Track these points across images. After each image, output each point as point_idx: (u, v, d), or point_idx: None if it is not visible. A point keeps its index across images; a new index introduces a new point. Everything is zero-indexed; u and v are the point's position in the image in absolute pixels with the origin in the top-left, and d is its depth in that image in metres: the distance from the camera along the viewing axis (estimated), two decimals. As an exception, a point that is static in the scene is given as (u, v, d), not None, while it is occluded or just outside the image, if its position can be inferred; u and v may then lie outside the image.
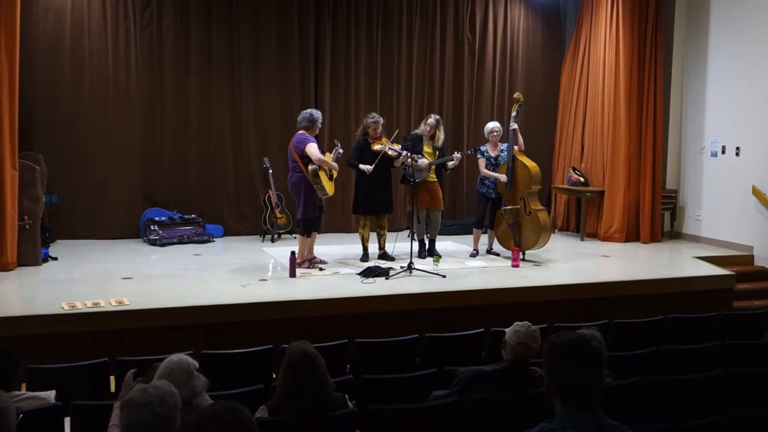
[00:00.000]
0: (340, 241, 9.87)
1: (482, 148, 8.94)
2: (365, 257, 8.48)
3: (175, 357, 3.31)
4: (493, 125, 8.95)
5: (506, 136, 8.90)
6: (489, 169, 8.81)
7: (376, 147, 8.25)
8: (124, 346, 5.83)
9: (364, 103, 10.77)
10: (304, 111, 8.08)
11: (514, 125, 8.72)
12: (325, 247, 9.09)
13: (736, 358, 5.00)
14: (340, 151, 8.20)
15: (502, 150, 8.85)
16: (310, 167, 7.72)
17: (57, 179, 9.06)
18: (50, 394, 3.84)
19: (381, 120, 8.41)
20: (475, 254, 9.03)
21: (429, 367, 4.77)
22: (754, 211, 9.39)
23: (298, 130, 7.94)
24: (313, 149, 7.72)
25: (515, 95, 9.08)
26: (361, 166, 8.18)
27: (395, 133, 8.77)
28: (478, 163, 8.92)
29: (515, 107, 8.86)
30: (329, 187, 7.90)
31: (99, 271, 7.80)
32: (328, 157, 7.92)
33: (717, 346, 5.24)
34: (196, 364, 3.27)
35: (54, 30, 9.42)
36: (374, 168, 8.15)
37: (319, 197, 7.96)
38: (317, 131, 8.10)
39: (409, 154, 8.12)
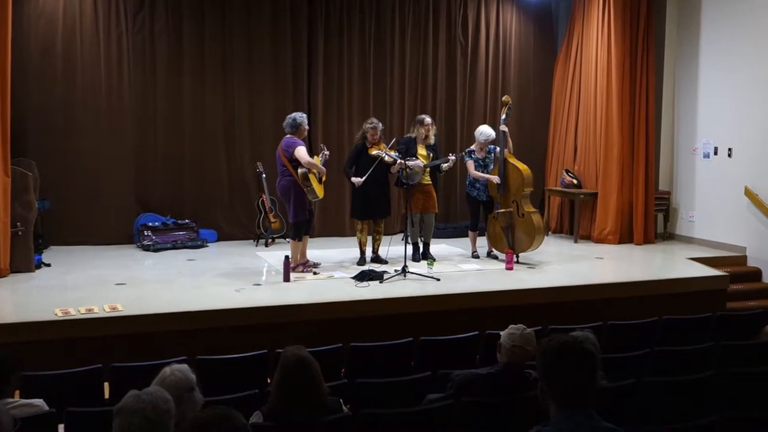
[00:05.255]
0: (333, 245, 9.87)
1: (469, 150, 8.96)
2: (362, 261, 8.48)
3: (174, 374, 3.21)
4: (489, 134, 8.87)
5: (496, 139, 8.90)
6: (478, 171, 8.83)
7: (374, 152, 8.28)
8: (117, 352, 5.81)
9: (357, 106, 10.79)
10: (289, 115, 8.10)
11: (504, 127, 8.74)
12: (319, 250, 9.08)
13: (730, 358, 5.01)
14: (327, 153, 8.23)
15: (489, 151, 8.87)
16: (299, 170, 7.74)
17: (50, 185, 9.03)
18: (41, 402, 3.83)
19: (380, 126, 8.43)
20: (477, 256, 9.03)
21: (423, 370, 4.76)
22: (747, 212, 9.42)
23: (286, 135, 7.96)
24: (302, 152, 7.74)
25: (504, 98, 9.10)
26: (353, 179, 8.20)
27: (393, 141, 8.78)
28: (467, 166, 8.93)
29: (504, 110, 8.87)
30: (319, 190, 7.92)
31: (92, 277, 7.78)
32: (317, 161, 7.94)
33: (711, 347, 5.25)
34: (194, 378, 3.22)
35: (46, 36, 9.40)
36: (372, 173, 8.17)
37: (309, 200, 7.97)
38: (305, 134, 8.13)
39: (404, 162, 8.13)
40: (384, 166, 8.31)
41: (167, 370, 3.16)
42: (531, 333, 4.07)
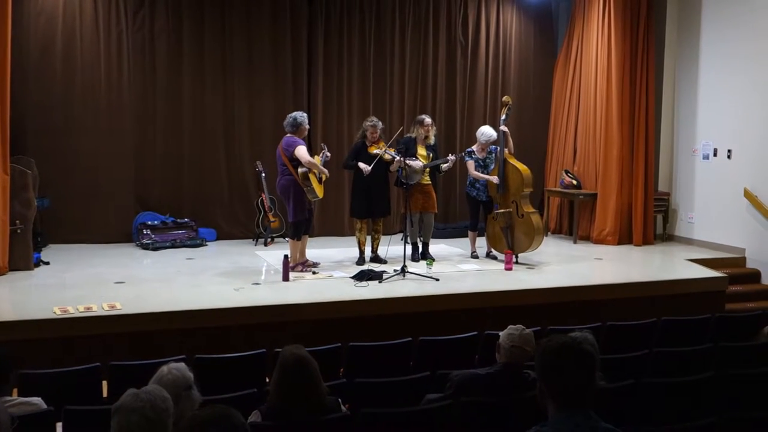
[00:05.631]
0: (333, 244, 9.87)
1: (469, 150, 8.96)
2: (361, 260, 8.49)
3: (171, 372, 3.21)
4: (490, 134, 8.86)
5: (497, 139, 8.91)
6: (477, 171, 8.83)
7: (374, 151, 8.28)
8: (116, 350, 5.81)
9: (357, 105, 10.79)
10: (289, 115, 8.10)
11: (504, 128, 8.74)
12: (318, 250, 9.07)
13: (729, 360, 5.01)
14: (328, 154, 8.23)
15: (490, 152, 8.87)
16: (300, 170, 7.74)
17: (49, 183, 9.03)
18: (39, 401, 3.82)
19: (379, 124, 8.44)
20: (476, 256, 9.03)
21: (422, 370, 4.77)
22: (746, 213, 9.42)
23: (286, 134, 7.97)
24: (302, 152, 7.75)
25: (504, 98, 9.10)
26: (360, 165, 8.21)
27: (399, 132, 8.76)
28: (467, 166, 8.93)
29: (504, 110, 8.87)
30: (319, 190, 7.92)
31: (91, 275, 7.77)
32: (317, 161, 7.94)
33: (710, 349, 5.25)
34: (192, 377, 3.22)
35: (46, 34, 9.40)
36: (372, 171, 8.17)
37: (308, 200, 7.97)
38: (305, 133, 8.14)
39: (403, 159, 8.14)
40: (384, 164, 8.32)
41: (164, 369, 3.16)
42: (530, 333, 4.07)
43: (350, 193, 8.68)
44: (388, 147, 8.38)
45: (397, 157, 8.20)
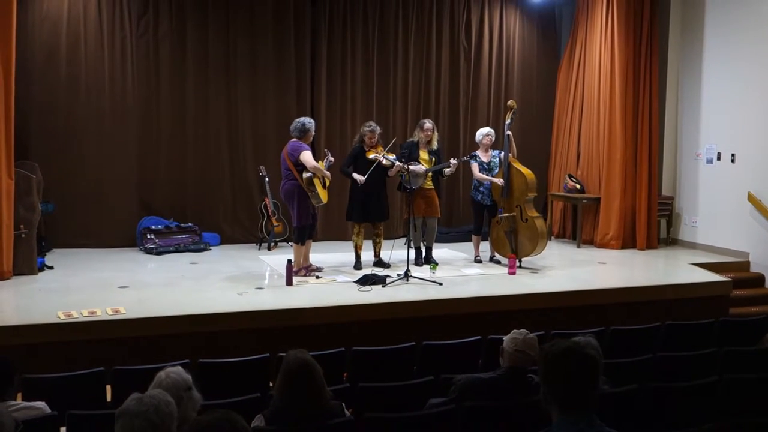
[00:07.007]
0: (336, 249, 9.85)
1: (474, 154, 8.98)
2: (358, 265, 8.48)
3: (169, 376, 3.23)
4: (486, 130, 8.96)
5: (500, 143, 8.91)
6: (482, 174, 8.84)
7: (371, 156, 8.28)
8: (120, 355, 5.81)
9: (360, 110, 10.80)
10: (297, 120, 8.10)
11: (508, 132, 8.74)
12: (322, 254, 9.08)
13: (733, 364, 5.00)
14: (331, 159, 8.23)
15: (493, 156, 8.88)
16: (304, 175, 7.74)
17: (53, 188, 9.06)
18: (42, 405, 3.83)
19: (377, 129, 8.43)
20: (480, 261, 9.03)
21: (426, 375, 4.76)
22: (750, 217, 9.41)
23: (291, 138, 7.97)
24: (307, 157, 7.74)
25: (509, 103, 9.10)
26: (355, 176, 8.21)
27: (392, 142, 8.78)
28: (471, 169, 8.94)
29: (509, 114, 8.87)
30: (323, 195, 7.92)
31: (95, 279, 7.78)
32: (321, 165, 7.95)
33: (714, 353, 5.24)
34: (190, 378, 3.23)
35: (50, 39, 9.43)
36: (369, 176, 8.17)
37: (312, 205, 7.97)
38: (311, 139, 8.14)
39: (403, 163, 8.14)
40: (382, 169, 8.31)
41: (162, 374, 3.18)
42: (533, 338, 4.06)
43: (348, 198, 8.65)
44: (386, 152, 8.38)
45: (396, 162, 8.20)
